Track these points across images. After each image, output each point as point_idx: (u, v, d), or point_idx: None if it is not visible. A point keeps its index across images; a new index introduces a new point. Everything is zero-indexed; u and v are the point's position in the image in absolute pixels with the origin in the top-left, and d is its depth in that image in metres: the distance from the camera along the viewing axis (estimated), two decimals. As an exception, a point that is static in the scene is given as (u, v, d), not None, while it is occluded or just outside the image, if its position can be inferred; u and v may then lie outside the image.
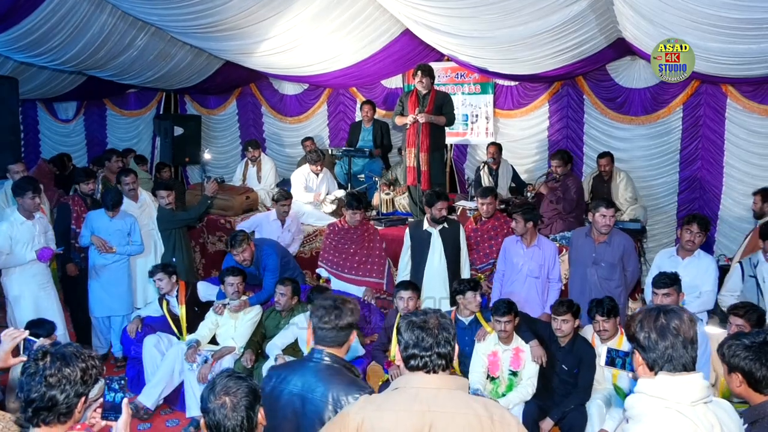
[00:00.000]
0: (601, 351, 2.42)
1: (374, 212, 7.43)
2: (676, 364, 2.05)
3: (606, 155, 7.41)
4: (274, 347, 5.08)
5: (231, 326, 5.40)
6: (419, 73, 6.45)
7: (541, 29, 6.06)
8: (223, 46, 7.66)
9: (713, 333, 4.01)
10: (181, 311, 5.59)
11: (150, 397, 5.22)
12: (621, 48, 6.93)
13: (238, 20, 6.70)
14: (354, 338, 2.80)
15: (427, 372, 2.20)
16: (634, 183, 7.47)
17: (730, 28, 4.90)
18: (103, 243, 5.85)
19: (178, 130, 9.97)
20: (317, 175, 7.49)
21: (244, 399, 2.14)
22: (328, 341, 2.68)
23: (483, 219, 5.90)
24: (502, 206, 6.34)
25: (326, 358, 2.65)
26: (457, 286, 4.88)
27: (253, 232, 6.67)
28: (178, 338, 5.57)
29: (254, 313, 5.42)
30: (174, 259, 6.40)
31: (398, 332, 2.30)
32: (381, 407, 2.18)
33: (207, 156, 8.04)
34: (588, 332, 4.52)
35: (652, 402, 2.03)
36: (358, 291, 5.88)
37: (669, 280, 4.09)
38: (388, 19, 7.23)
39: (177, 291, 5.65)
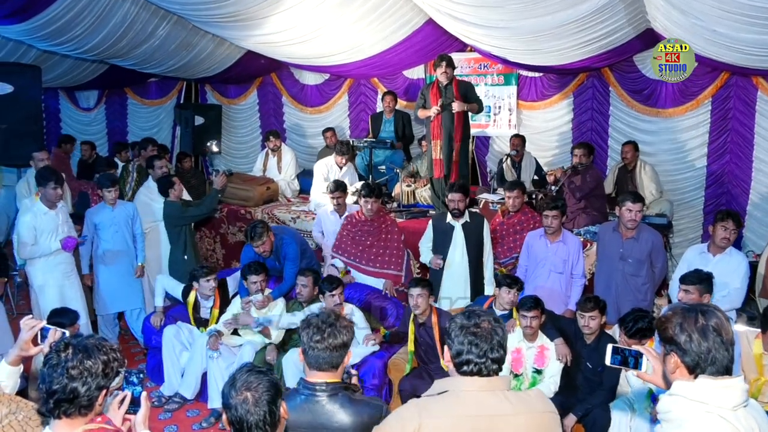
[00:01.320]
0: (608, 350, 2.34)
1: (395, 204, 7.39)
2: (719, 367, 1.98)
3: (629, 143, 7.33)
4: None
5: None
6: (443, 63, 6.35)
7: (569, 19, 5.96)
8: (245, 35, 7.66)
9: (742, 331, 3.93)
10: (213, 314, 5.52)
11: (188, 387, 5.30)
12: (649, 39, 6.80)
13: (260, 10, 6.69)
14: (350, 358, 2.64)
15: (481, 376, 2.17)
16: (659, 176, 7.35)
17: (763, 17, 4.78)
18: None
19: (199, 120, 10.02)
20: (341, 167, 7.39)
21: (266, 394, 2.12)
22: (321, 363, 2.51)
23: (510, 213, 5.85)
24: (526, 200, 6.26)
25: (319, 396, 2.50)
26: (498, 278, 4.87)
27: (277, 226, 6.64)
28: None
29: (279, 308, 5.41)
30: (186, 257, 6.31)
31: (447, 336, 2.25)
32: (437, 413, 2.15)
33: (215, 149, 7.94)
34: (615, 332, 4.46)
35: (693, 406, 1.96)
36: (377, 283, 5.86)
37: (696, 278, 4.01)
38: (411, 9, 7.17)
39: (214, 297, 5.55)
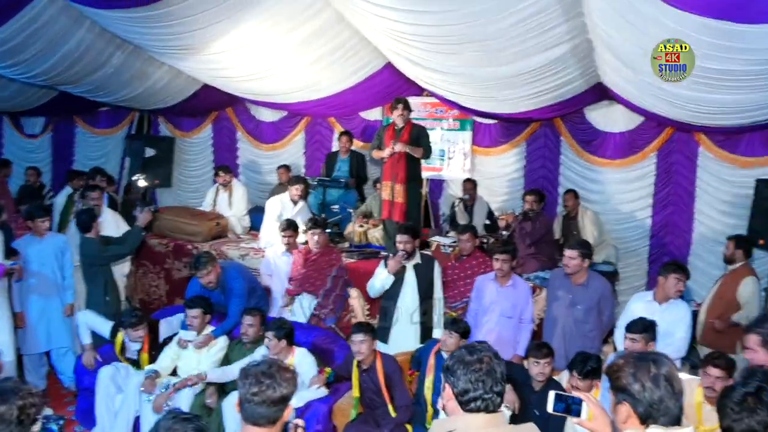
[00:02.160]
0: (549, 396, 2.35)
1: (347, 244, 7.35)
2: (671, 417, 2.00)
3: (569, 191, 7.53)
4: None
5: (194, 359, 5.16)
6: (399, 106, 6.41)
7: (523, 70, 6.12)
8: (202, 68, 7.59)
9: (686, 380, 3.99)
10: (143, 358, 5.26)
11: (120, 431, 4.96)
12: (600, 92, 7.04)
13: (212, 42, 6.66)
14: (290, 412, 2.46)
15: (488, 412, 2.17)
16: (601, 222, 7.54)
17: (708, 78, 4.99)
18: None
19: (150, 152, 9.81)
20: (295, 202, 7.30)
21: None
22: (257, 418, 2.34)
23: (462, 257, 5.87)
24: (478, 244, 6.31)
25: None
26: (445, 321, 4.86)
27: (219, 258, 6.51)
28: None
29: (219, 346, 5.23)
30: (107, 299, 5.87)
31: (450, 374, 2.23)
32: None
33: (142, 183, 7.58)
34: (563, 378, 4.47)
35: None
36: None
37: (642, 327, 4.08)
38: (370, 52, 7.25)
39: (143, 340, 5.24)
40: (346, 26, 6.64)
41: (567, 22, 5.35)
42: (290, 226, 6.30)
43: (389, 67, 7.62)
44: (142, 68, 8.07)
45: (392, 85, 8.29)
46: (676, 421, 2.01)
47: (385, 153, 6.45)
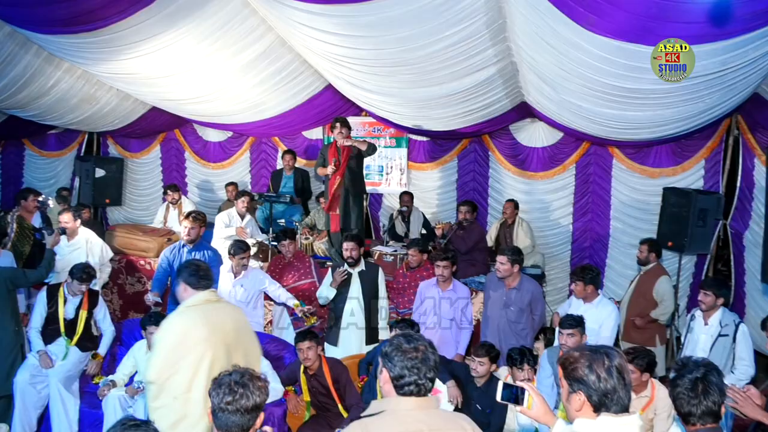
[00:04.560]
0: (498, 386, 2.36)
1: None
2: (621, 405, 2.02)
3: (510, 201, 7.61)
4: None
5: None
6: (337, 124, 6.39)
7: (454, 91, 6.16)
8: (149, 91, 7.31)
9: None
10: (81, 316, 5.14)
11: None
12: (523, 110, 7.16)
13: (163, 68, 6.44)
14: (261, 420, 2.37)
15: (419, 395, 2.15)
16: (533, 232, 7.64)
17: (621, 96, 5.13)
18: None
19: (100, 172, 9.37)
20: (242, 217, 7.18)
21: None
22: (231, 427, 2.26)
23: (412, 268, 5.83)
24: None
25: None
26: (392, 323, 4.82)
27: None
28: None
29: None
30: (17, 329, 5.04)
31: (387, 359, 2.19)
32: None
33: (50, 203, 7.13)
34: (502, 374, 4.45)
35: None
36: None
37: (574, 322, 4.10)
38: (312, 74, 7.17)
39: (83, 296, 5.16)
40: (288, 50, 6.55)
41: (494, 46, 5.42)
42: (243, 249, 5.57)
43: (330, 88, 7.57)
44: (91, 92, 7.71)
45: (333, 106, 8.23)
46: (625, 410, 2.04)
47: (329, 170, 6.43)
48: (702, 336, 4.72)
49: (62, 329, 5.10)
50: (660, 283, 5.67)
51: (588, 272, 4.75)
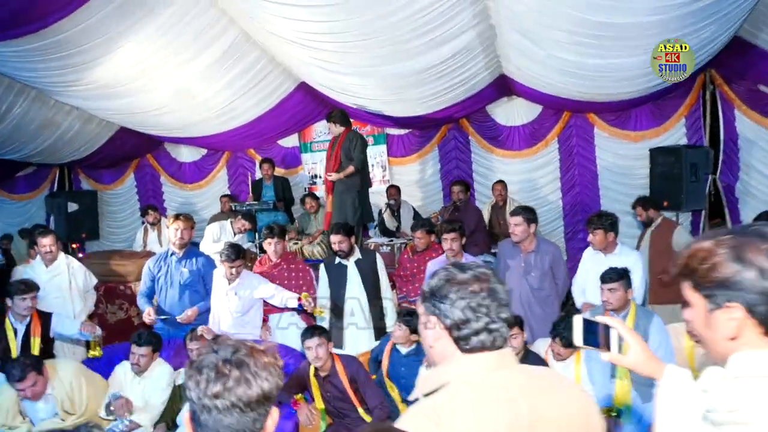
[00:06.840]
0: (575, 324, 1.44)
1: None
2: None
3: (499, 182, 6.91)
4: None
5: (138, 393, 3.88)
6: (330, 124, 5.87)
7: (432, 63, 5.44)
8: (109, 105, 6.42)
9: (671, 327, 3.29)
10: (34, 343, 4.10)
11: None
12: (502, 87, 6.52)
13: (119, 73, 5.60)
14: (276, 420, 1.28)
15: (495, 348, 1.28)
16: (525, 211, 6.93)
17: (606, 37, 4.50)
18: None
19: (72, 206, 8.41)
20: (234, 235, 6.24)
21: None
22: None
23: (418, 251, 5.02)
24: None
25: None
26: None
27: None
28: None
29: (166, 373, 3.98)
30: None
31: (436, 299, 1.34)
32: (459, 417, 1.23)
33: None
34: (540, 348, 3.66)
35: None
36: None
37: (616, 275, 3.33)
38: (281, 73, 6.44)
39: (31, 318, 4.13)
40: (253, 46, 5.80)
41: (471, 6, 4.75)
42: (239, 255, 4.45)
43: (301, 90, 6.85)
44: (49, 116, 6.73)
45: (305, 110, 7.51)
46: None
47: (332, 177, 5.85)
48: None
49: None
50: (679, 235, 4.93)
51: (606, 218, 4.05)
